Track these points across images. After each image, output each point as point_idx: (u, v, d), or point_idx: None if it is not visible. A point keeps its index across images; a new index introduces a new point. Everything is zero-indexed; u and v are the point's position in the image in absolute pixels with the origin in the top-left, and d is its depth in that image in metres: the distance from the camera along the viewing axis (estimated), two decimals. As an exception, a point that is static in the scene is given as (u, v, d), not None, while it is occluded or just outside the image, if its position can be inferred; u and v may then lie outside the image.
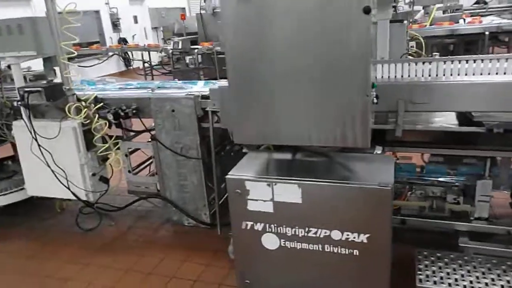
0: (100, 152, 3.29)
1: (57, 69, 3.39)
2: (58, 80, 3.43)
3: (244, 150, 2.54)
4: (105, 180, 3.54)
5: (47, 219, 3.83)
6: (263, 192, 2.12)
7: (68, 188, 3.40)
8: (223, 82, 2.71)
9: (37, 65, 3.89)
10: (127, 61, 15.10)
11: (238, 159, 2.36)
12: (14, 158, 4.40)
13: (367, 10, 1.80)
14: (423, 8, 11.09)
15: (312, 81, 1.99)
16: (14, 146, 3.97)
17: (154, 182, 3.47)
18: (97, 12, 14.94)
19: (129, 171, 3.50)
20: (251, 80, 2.00)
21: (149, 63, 12.14)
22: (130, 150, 3.49)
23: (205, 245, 3.18)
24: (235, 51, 2.04)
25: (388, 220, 2.01)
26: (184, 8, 20.35)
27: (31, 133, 3.29)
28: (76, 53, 3.26)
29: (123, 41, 15.35)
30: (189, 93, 3.10)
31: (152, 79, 12.43)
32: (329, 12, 1.88)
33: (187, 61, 11.45)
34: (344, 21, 1.87)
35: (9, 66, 3.78)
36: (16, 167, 4.23)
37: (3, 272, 3.14)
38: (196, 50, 10.68)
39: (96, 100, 3.28)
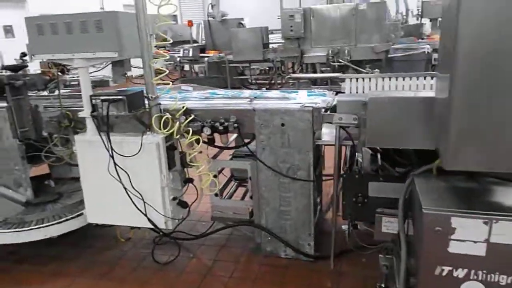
0: (198, 172, 2.78)
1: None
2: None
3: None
4: (184, 204, 3.02)
5: (109, 251, 3.26)
6: (475, 231, 1.70)
7: (145, 215, 2.87)
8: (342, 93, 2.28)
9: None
10: (122, 69, 14.37)
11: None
12: (50, 176, 3.82)
13: None
14: (430, 21, 11.07)
15: None
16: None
17: (247, 207, 2.98)
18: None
19: (215, 195, 3.00)
20: (491, 91, 1.58)
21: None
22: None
23: (314, 282, 2.72)
24: (473, 54, 1.57)
25: None
26: (176, 16, 19.82)
27: (108, 150, 2.75)
28: (168, 56, 2.77)
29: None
30: (305, 105, 2.65)
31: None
32: None
33: (196, 70, 10.96)
34: None
35: (62, 71, 3.24)
36: (58, 188, 3.65)
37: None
38: (206, 59, 10.19)
39: (185, 111, 2.78)
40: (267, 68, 10.73)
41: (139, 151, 2.75)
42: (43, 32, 2.75)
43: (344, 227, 2.77)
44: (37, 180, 3.67)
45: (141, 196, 2.84)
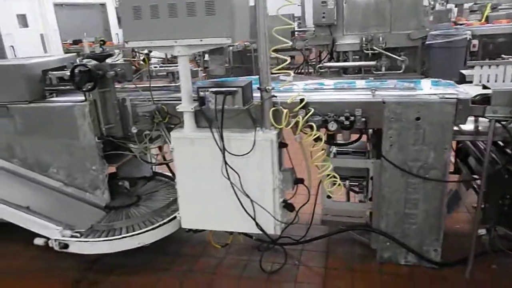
0: (321, 172, 2.48)
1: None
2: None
3: None
4: (291, 208, 2.73)
5: (202, 258, 2.96)
6: None
7: (254, 219, 2.58)
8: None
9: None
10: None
11: None
12: (116, 176, 3.51)
13: None
14: (455, 6, 10.74)
15: None
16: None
17: (364, 210, 2.70)
18: (103, 5, 13.74)
19: (328, 196, 2.70)
20: None
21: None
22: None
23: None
24: None
25: None
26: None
27: (221, 149, 2.44)
28: (290, 43, 2.46)
29: (129, 37, 14.21)
30: (445, 96, 2.36)
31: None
32: None
33: (219, 60, 10.58)
34: None
35: (144, 60, 2.92)
36: (132, 189, 3.34)
37: None
38: (231, 48, 9.81)
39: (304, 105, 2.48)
40: (289, 57, 10.40)
41: (251, 149, 2.45)
42: (140, 15, 2.42)
43: (481, 231, 2.51)
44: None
45: (250, 198, 2.55)
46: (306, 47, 9.75)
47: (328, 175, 2.51)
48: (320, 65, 8.72)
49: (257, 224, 2.60)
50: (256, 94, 2.54)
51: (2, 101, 3.02)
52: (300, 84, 2.79)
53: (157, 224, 2.78)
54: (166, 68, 2.94)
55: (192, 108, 2.55)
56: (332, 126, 2.39)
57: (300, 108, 2.43)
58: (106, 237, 2.70)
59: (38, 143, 3.06)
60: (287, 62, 2.46)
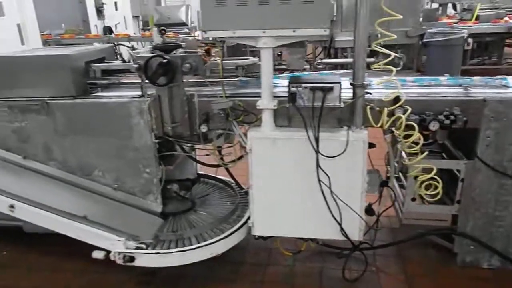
0: (412, 173, 2.33)
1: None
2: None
3: None
4: (371, 212, 2.58)
5: (271, 266, 2.74)
6: None
7: (340, 225, 2.40)
8: None
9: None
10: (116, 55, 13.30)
11: None
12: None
13: None
14: (439, 6, 10.97)
15: None
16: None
17: (450, 213, 2.58)
18: (82, -5, 12.95)
19: (412, 199, 2.56)
20: None
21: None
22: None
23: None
24: None
25: None
26: (163, -4, 18.70)
27: (316, 150, 2.24)
28: (395, 36, 2.30)
29: (108, 30, 13.56)
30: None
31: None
32: None
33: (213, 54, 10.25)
34: None
35: (208, 52, 2.66)
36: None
37: None
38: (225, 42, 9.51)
39: (396, 102, 2.32)
40: (279, 53, 10.24)
41: (344, 150, 2.27)
42: (225, 2, 2.18)
43: None
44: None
45: (343, 202, 2.37)
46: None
47: (418, 176, 2.37)
48: (319, 61, 8.62)
49: (342, 229, 2.43)
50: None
51: (40, 97, 2.67)
52: (377, 80, 2.63)
53: (229, 232, 2.54)
54: (234, 61, 2.69)
55: (274, 106, 2.34)
56: (434, 126, 2.25)
57: (398, 107, 2.27)
58: (176, 247, 2.43)
59: (82, 144, 2.72)
60: (391, 57, 2.29)
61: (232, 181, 3.18)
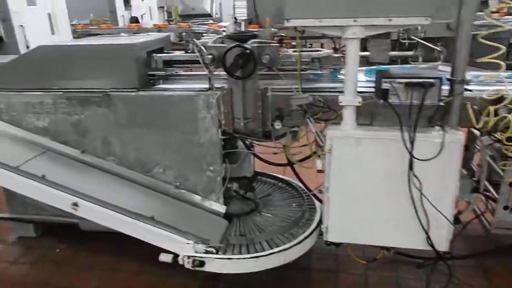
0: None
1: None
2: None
3: None
4: (458, 220, 2.37)
5: (342, 274, 2.56)
6: None
7: (427, 233, 2.19)
8: None
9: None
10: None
11: None
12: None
13: None
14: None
15: None
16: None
17: (546, 223, 2.35)
18: (109, -15, 12.88)
19: (505, 207, 2.34)
20: None
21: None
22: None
23: None
24: None
25: None
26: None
27: (409, 152, 2.03)
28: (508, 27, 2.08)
29: (135, 21, 13.47)
30: None
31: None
32: None
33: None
34: None
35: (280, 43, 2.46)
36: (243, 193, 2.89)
37: None
38: (258, 34, 9.28)
39: (500, 100, 2.09)
40: (310, 45, 9.97)
41: (439, 153, 2.06)
42: (312, -13, 1.98)
43: None
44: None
45: (425, 210, 2.16)
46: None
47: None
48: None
49: (428, 238, 2.23)
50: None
51: (101, 88, 2.53)
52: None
53: (302, 237, 2.36)
54: (308, 53, 2.49)
55: (359, 102, 2.14)
56: (542, 127, 2.02)
57: (503, 105, 2.04)
58: (248, 252, 2.26)
59: (144, 138, 2.57)
60: (502, 51, 2.06)
61: (292, 180, 3.03)
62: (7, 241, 3.03)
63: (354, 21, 2.00)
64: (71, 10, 10.93)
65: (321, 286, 2.50)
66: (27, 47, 8.70)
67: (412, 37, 7.87)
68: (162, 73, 2.67)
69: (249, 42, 2.23)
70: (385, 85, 2.03)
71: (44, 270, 2.71)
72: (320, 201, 2.73)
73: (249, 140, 2.56)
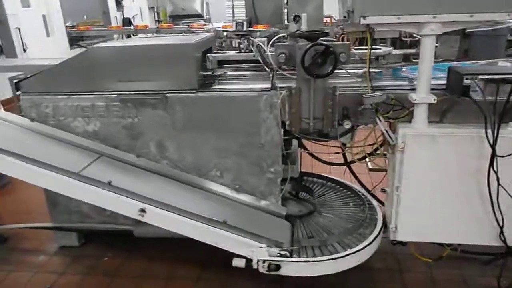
0: None
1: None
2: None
3: None
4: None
5: (406, 274, 2.54)
6: None
7: (501, 228, 2.19)
8: None
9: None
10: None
11: None
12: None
13: None
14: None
15: None
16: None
17: None
18: (102, -14, 12.63)
19: None
20: None
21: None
22: None
23: None
24: None
25: None
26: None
27: (493, 147, 2.02)
28: None
29: (128, 22, 13.24)
30: None
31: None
32: None
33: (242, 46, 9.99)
34: None
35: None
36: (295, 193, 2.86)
37: None
38: (258, 34, 9.24)
39: None
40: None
41: (520, 149, 2.06)
42: (392, -17, 1.95)
43: None
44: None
45: (500, 206, 2.17)
46: (338, 34, 9.34)
47: None
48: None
49: (502, 233, 2.23)
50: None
51: (158, 90, 2.44)
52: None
53: (372, 237, 2.34)
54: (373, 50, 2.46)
55: (434, 99, 2.13)
56: None
57: None
58: (322, 255, 2.22)
59: (201, 141, 2.50)
60: None
61: (340, 179, 3.01)
62: (50, 251, 2.91)
63: (434, 17, 1.98)
64: (64, 11, 10.70)
65: (387, 285, 2.47)
66: (24, 50, 8.46)
67: (414, 34, 7.93)
68: (218, 73, 2.62)
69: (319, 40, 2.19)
70: (466, 82, 2.02)
71: (98, 280, 2.61)
72: (379, 200, 2.72)
73: (309, 140, 2.51)
